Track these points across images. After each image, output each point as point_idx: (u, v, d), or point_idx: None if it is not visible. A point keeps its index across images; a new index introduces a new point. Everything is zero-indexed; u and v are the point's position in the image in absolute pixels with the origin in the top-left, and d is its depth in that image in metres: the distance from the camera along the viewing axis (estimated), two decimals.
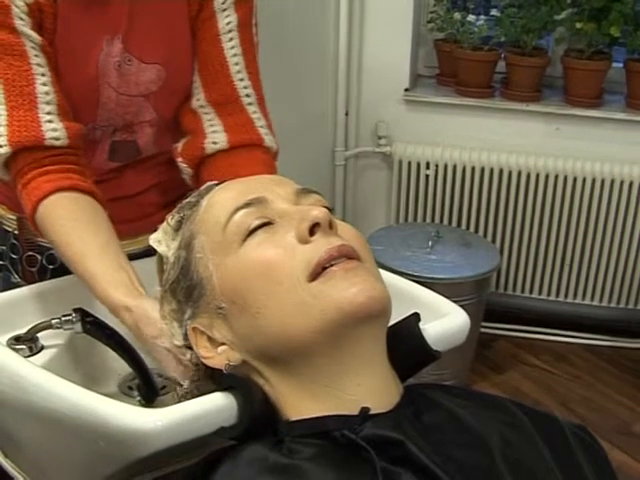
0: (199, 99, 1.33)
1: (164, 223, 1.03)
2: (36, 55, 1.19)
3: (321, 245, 0.86)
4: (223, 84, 1.32)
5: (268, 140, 1.34)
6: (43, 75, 1.19)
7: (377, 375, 0.88)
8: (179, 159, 1.35)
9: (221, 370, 0.90)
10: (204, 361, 0.92)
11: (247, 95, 1.33)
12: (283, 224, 0.89)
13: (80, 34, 1.23)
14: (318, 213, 0.87)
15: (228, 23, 1.31)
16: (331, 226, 0.88)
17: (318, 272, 0.85)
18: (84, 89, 1.26)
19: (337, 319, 0.83)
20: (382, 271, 1.05)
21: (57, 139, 1.19)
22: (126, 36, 1.25)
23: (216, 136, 1.32)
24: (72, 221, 1.16)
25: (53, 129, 1.19)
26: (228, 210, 0.92)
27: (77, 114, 1.27)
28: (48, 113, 1.19)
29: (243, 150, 1.32)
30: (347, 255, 0.86)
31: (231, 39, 1.31)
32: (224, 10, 1.30)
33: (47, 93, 1.19)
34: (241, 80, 1.33)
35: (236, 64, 1.32)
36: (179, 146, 1.36)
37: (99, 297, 1.10)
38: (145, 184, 1.43)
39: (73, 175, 1.20)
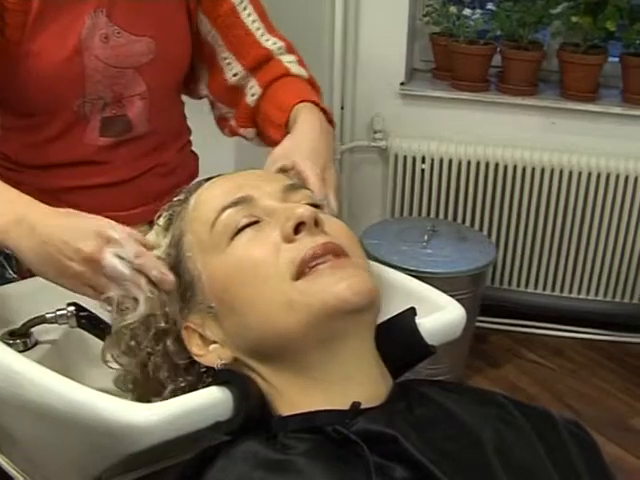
0: (236, 73, 1.39)
1: (154, 225, 1.03)
2: None
3: (305, 243, 0.86)
4: (255, 49, 1.39)
5: (295, 69, 1.40)
6: None
7: (367, 368, 0.88)
8: (240, 130, 1.42)
9: (213, 368, 0.91)
10: (196, 359, 0.92)
11: (278, 48, 1.41)
12: (270, 222, 0.90)
13: (60, 10, 1.24)
14: (304, 212, 0.88)
15: None
16: (317, 224, 0.88)
17: (303, 271, 0.85)
18: (66, 62, 1.27)
19: (324, 313, 0.83)
20: (378, 264, 1.05)
21: None
22: (110, 9, 1.27)
23: (252, 90, 1.38)
24: None
25: None
26: (216, 209, 0.92)
27: (63, 89, 1.29)
28: None
29: (274, 83, 1.38)
30: (332, 252, 0.87)
31: (245, 8, 1.38)
32: None
33: None
34: (268, 40, 1.40)
35: (258, 29, 1.40)
36: (233, 122, 1.43)
37: None
38: (140, 169, 1.43)
39: None
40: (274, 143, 1.26)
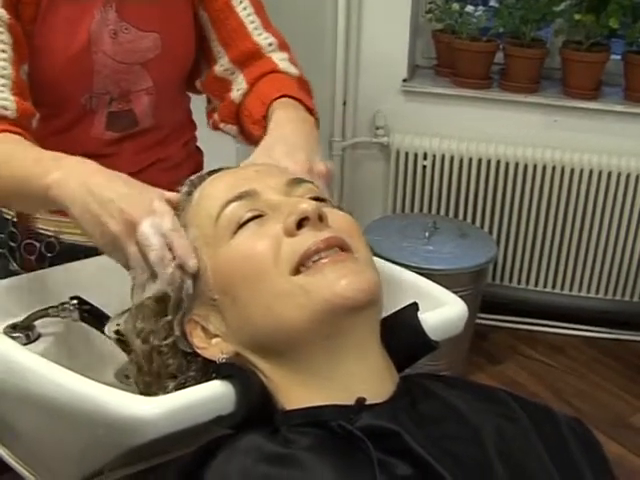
0: (223, 64, 1.38)
1: None
2: (0, 32, 1.20)
3: (308, 237, 0.86)
4: (244, 42, 1.37)
5: (283, 66, 1.37)
6: (3, 52, 1.20)
7: (371, 364, 0.88)
8: (221, 125, 1.40)
9: (215, 361, 0.90)
10: (198, 351, 0.92)
11: (269, 44, 1.38)
12: (274, 216, 0.90)
13: (70, 4, 1.25)
14: (307, 207, 0.88)
15: None
16: (321, 218, 0.88)
17: (303, 264, 0.85)
18: (76, 57, 1.28)
19: (326, 310, 0.83)
20: (381, 260, 1.04)
21: (6, 109, 1.19)
22: (119, 5, 1.28)
23: (239, 85, 1.36)
24: (8, 143, 1.16)
25: (4, 98, 1.19)
26: (219, 203, 0.92)
27: (72, 84, 1.30)
28: (2, 85, 1.19)
29: (260, 81, 1.35)
30: (336, 246, 0.87)
31: (241, 2, 1.37)
32: None
33: (4, 68, 1.20)
34: (260, 35, 1.38)
35: (252, 22, 1.38)
36: (216, 116, 1.41)
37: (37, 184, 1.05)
38: (144, 162, 1.43)
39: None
40: (254, 141, 1.24)
